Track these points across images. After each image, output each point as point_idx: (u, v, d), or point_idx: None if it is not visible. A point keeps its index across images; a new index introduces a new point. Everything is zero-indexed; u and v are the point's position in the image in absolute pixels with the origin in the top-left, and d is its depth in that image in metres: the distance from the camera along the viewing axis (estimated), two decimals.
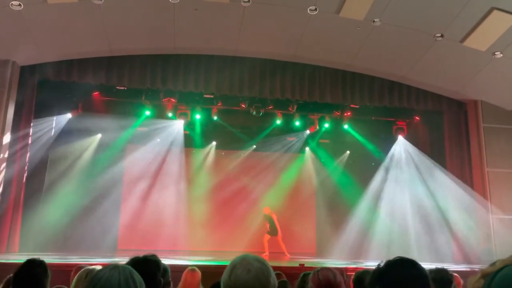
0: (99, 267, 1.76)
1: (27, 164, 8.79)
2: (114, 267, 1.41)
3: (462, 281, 3.48)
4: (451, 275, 2.87)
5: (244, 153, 12.36)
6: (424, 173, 10.47)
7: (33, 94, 8.86)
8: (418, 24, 7.74)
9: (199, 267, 4.06)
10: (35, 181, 9.15)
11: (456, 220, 9.39)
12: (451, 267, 6.38)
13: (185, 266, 4.09)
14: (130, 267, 1.45)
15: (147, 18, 7.80)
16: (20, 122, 8.55)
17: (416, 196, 10.47)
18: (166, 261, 2.35)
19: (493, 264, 0.89)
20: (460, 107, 10.00)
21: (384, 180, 11.33)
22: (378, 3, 7.20)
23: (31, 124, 8.88)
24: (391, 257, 1.61)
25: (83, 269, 2.79)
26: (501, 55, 8.07)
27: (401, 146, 11.49)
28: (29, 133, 8.82)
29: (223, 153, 12.34)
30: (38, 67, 8.58)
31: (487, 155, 9.37)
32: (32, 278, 2.31)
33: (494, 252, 8.70)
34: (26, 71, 8.58)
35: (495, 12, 7.06)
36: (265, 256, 9.49)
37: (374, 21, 7.65)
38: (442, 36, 7.90)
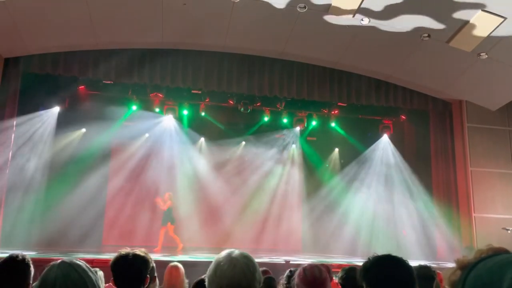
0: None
1: (10, 157, 8.62)
2: (54, 265, 1.42)
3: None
4: (434, 272, 2.92)
5: (232, 150, 12.33)
6: (405, 173, 10.62)
7: (17, 87, 8.67)
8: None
9: (185, 263, 4.05)
10: (18, 175, 8.98)
11: (438, 218, 9.53)
12: (434, 264, 6.48)
13: (168, 262, 4.09)
14: (69, 263, 1.42)
15: (135, 11, 7.70)
16: (4, 115, 8.37)
17: (399, 194, 10.60)
18: (151, 256, 2.36)
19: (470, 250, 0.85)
20: (445, 106, 10.11)
21: (364, 179, 11.44)
22: (366, 2, 7.23)
23: (15, 117, 8.70)
24: (377, 253, 1.63)
25: None
26: (486, 56, 8.17)
27: (383, 145, 11.56)
28: (12, 126, 8.64)
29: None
30: (23, 59, 8.42)
31: (471, 154, 9.51)
32: (14, 274, 2.27)
33: (475, 251, 8.84)
34: (11, 63, 8.41)
35: (481, 13, 7.15)
36: (157, 250, 9.30)
37: (362, 19, 7.69)
38: (429, 36, 7.97)
